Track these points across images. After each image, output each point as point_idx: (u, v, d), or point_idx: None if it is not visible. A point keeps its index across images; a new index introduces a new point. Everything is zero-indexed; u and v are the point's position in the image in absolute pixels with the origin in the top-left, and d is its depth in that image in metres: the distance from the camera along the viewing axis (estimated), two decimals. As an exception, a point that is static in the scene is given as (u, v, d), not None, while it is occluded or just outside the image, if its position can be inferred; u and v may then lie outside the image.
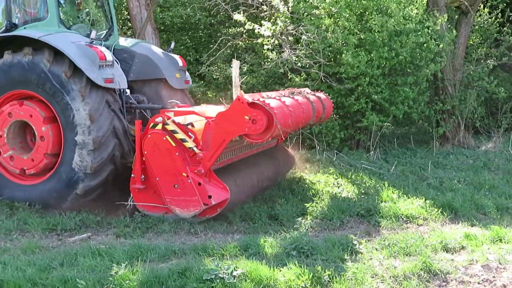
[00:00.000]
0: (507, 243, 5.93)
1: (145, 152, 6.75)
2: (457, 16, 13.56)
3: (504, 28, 13.83)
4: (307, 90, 9.06)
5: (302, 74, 11.23)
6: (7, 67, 7.43)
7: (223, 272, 4.84)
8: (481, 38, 13.76)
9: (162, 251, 5.63)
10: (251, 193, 7.47)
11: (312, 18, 11.16)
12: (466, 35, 12.95)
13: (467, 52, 13.23)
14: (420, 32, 10.89)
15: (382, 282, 4.88)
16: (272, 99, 6.92)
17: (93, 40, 7.57)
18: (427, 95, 12.10)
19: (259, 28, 11.37)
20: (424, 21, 11.22)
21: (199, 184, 6.50)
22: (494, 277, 5.06)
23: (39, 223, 6.76)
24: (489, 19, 13.60)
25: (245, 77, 12.14)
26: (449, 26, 12.72)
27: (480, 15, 13.64)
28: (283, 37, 11.43)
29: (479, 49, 13.22)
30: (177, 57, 8.98)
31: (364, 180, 8.85)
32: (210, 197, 6.48)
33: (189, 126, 6.74)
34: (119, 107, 7.61)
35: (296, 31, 11.31)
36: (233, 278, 4.79)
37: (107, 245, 5.90)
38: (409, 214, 7.05)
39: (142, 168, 6.83)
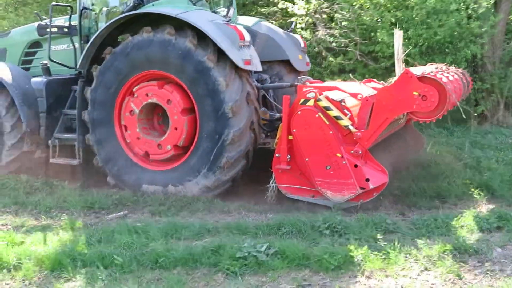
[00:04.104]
0: (545, 224, 5.80)
1: (294, 131, 6.21)
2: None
3: None
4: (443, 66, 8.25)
5: (340, 54, 11.08)
6: (148, 45, 6.91)
7: (256, 250, 4.89)
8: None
9: (196, 229, 5.71)
10: None
11: (346, -4, 10.99)
12: (507, 10, 12.48)
13: (508, 28, 12.80)
14: (462, 12, 10.54)
15: (415, 262, 4.84)
16: (436, 73, 6.24)
17: (230, 19, 7.14)
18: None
19: (292, 7, 11.27)
20: None
21: (356, 166, 6.02)
22: (531, 258, 4.98)
23: (78, 201, 6.94)
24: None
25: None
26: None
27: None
28: (317, 15, 11.30)
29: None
30: (298, 37, 8.58)
31: (399, 160, 8.73)
32: (367, 180, 6.02)
33: (342, 103, 6.20)
34: (254, 92, 7.15)
35: (330, 9, 11.16)
36: (266, 256, 4.84)
37: (143, 223, 6.02)
38: (445, 194, 6.94)
39: (288, 147, 6.34)
